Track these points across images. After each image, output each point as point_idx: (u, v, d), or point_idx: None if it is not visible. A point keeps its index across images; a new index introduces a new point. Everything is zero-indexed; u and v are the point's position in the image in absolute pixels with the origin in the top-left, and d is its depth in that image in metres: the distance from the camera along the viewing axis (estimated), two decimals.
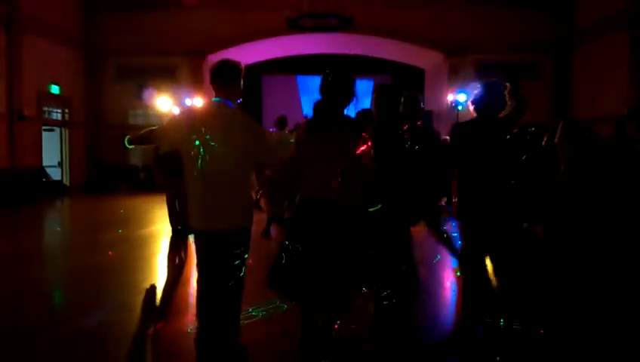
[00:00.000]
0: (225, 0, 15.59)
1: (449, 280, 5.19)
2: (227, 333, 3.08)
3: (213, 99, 3.10)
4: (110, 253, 6.10)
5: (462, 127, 3.64)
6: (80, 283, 5.16)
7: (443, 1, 15.42)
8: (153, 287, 3.93)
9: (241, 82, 3.13)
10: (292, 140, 3.78)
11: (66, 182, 14.94)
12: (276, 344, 3.49)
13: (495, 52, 15.30)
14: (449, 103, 15.10)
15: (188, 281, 5.33)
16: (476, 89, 3.50)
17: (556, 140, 5.94)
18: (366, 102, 4.06)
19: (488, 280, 3.41)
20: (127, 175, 15.91)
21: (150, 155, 7.45)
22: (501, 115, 3.48)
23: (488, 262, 3.42)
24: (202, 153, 2.95)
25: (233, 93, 3.09)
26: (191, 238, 5.86)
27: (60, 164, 14.93)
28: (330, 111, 3.01)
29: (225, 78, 3.07)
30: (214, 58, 16.10)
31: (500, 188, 3.38)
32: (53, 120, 14.72)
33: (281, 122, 7.24)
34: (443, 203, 6.46)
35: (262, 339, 3.53)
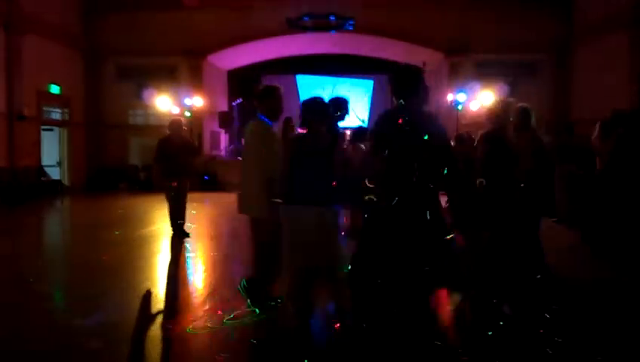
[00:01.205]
0: (225, 0, 15.59)
1: None
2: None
3: (257, 114, 4.02)
4: (105, 257, 6.04)
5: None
6: (80, 284, 5.15)
7: (443, 1, 15.41)
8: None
9: (272, 102, 3.97)
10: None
11: (66, 181, 14.91)
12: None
13: (495, 51, 15.28)
14: (449, 103, 15.11)
15: (187, 282, 5.34)
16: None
17: (594, 138, 5.92)
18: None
19: None
20: (127, 175, 15.90)
21: (150, 155, 7.44)
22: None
23: None
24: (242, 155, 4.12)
25: (265, 110, 3.98)
26: (187, 239, 5.81)
27: (60, 164, 14.91)
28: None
29: (258, 99, 4.00)
30: (214, 58, 16.15)
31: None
32: (53, 120, 14.70)
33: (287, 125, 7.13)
34: None
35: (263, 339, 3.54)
